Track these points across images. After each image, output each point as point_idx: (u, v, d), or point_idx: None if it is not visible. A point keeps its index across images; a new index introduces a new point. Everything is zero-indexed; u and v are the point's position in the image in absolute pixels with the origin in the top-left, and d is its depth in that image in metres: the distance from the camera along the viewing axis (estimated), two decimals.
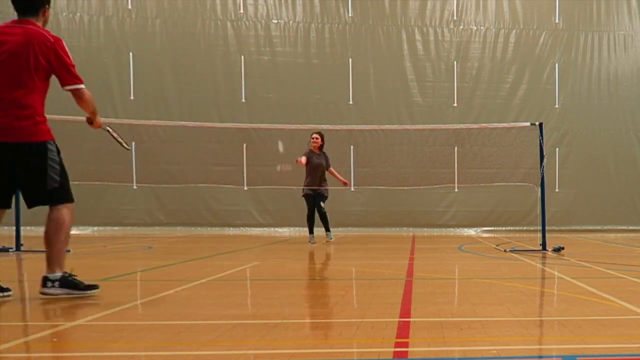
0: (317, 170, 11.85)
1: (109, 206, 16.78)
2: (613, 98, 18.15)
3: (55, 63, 4.77)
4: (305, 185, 11.96)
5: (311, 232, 12.00)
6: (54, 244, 4.81)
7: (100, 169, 14.99)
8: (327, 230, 12.18)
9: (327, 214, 12.03)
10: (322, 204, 11.86)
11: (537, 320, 4.16)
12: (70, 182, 4.96)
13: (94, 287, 4.93)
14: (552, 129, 17.25)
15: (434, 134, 16.36)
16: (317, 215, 11.98)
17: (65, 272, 4.84)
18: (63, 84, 4.85)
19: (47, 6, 4.97)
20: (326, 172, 12.04)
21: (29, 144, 4.73)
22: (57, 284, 4.77)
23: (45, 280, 4.78)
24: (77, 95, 4.88)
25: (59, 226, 4.82)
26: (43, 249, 4.89)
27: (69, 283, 4.81)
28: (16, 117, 4.69)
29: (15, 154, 4.71)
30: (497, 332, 3.59)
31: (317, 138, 11.97)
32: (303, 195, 12.04)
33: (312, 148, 11.94)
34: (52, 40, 4.77)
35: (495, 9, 17.94)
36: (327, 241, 12.09)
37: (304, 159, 11.66)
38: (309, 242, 11.85)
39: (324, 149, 12.14)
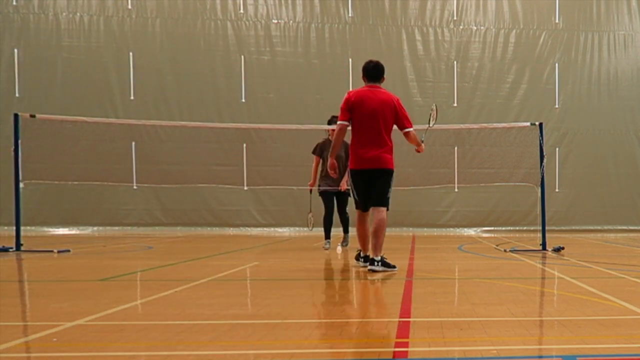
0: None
1: (109, 206, 16.79)
2: (613, 98, 18.15)
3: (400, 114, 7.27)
4: (322, 180, 10.11)
5: (327, 236, 10.37)
6: (379, 235, 6.77)
7: (100, 168, 15.00)
8: (346, 232, 10.48)
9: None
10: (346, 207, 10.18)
11: (537, 320, 4.16)
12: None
13: (395, 266, 6.87)
14: (552, 129, 17.26)
15: (434, 134, 16.27)
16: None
17: (383, 256, 6.81)
18: (402, 127, 7.40)
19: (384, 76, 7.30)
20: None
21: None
22: (379, 264, 6.73)
23: (372, 261, 6.76)
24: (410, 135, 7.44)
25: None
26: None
27: (386, 263, 6.79)
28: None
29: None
30: (497, 332, 3.59)
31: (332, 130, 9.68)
32: (320, 193, 10.22)
33: (329, 137, 9.99)
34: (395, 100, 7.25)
35: (495, 9, 17.94)
36: (342, 245, 10.35)
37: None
38: (324, 247, 10.33)
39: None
